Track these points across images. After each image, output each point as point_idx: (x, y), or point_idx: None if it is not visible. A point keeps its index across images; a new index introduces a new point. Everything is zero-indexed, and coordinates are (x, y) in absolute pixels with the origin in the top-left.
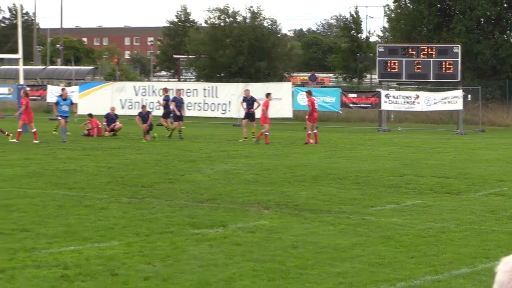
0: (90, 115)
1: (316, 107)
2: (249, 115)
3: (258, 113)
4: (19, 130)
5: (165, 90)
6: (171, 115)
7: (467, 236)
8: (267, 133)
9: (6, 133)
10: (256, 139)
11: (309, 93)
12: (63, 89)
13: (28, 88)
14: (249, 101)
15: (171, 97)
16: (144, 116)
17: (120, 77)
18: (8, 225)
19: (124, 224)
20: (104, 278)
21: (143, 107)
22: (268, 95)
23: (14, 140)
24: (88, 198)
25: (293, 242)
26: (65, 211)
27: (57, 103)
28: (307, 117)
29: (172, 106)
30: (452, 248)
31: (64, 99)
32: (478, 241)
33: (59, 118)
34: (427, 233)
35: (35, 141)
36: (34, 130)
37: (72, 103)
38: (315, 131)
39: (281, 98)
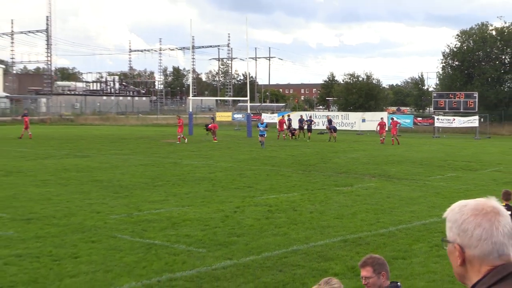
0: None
1: (397, 127)
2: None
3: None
4: (178, 137)
5: (288, 114)
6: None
7: (481, 192)
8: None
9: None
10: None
11: (392, 119)
12: (261, 117)
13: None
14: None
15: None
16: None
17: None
18: (241, 184)
19: (300, 185)
20: (290, 212)
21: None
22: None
23: (178, 142)
24: (281, 171)
25: (387, 195)
26: (270, 177)
27: (258, 126)
28: (392, 131)
29: (326, 126)
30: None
31: (261, 123)
32: (486, 194)
33: (259, 136)
34: (459, 190)
35: (177, 142)
36: (182, 136)
37: (267, 126)
38: (397, 138)
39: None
